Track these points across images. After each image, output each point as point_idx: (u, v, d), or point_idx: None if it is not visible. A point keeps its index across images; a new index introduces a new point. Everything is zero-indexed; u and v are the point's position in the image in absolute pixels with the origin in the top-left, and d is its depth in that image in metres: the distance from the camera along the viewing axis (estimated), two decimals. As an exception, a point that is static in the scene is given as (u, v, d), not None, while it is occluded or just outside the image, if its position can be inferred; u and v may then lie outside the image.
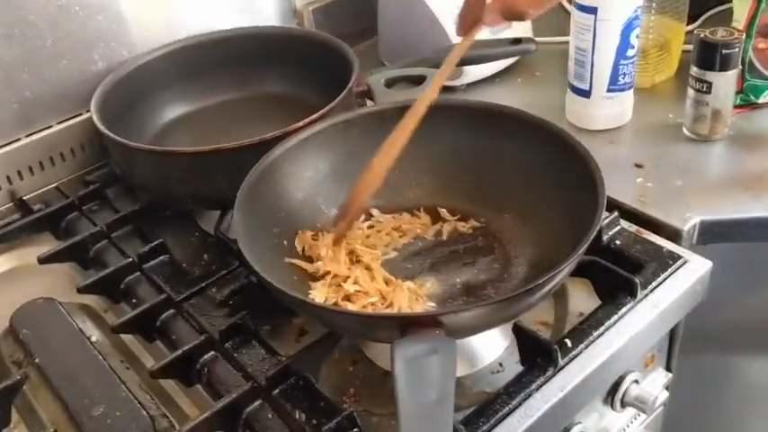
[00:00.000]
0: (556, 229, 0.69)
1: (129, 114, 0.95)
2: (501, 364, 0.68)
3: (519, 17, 0.64)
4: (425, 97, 0.71)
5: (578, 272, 0.71)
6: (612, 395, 0.73)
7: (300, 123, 0.78)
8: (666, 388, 0.81)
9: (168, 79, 1.00)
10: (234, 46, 1.02)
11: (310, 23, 1.14)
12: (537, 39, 1.05)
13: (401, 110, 0.80)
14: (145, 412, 0.63)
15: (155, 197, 0.87)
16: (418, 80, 0.89)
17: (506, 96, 1.03)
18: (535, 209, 0.73)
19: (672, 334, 0.81)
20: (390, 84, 0.90)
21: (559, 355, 0.62)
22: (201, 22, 1.04)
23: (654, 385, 0.78)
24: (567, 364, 0.64)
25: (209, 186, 0.81)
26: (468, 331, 0.60)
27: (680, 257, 0.73)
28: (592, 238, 0.58)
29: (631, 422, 0.79)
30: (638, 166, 0.87)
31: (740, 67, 0.87)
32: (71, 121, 0.97)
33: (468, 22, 0.68)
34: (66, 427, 0.64)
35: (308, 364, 0.66)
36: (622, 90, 0.91)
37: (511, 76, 1.08)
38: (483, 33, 1.01)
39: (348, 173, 0.78)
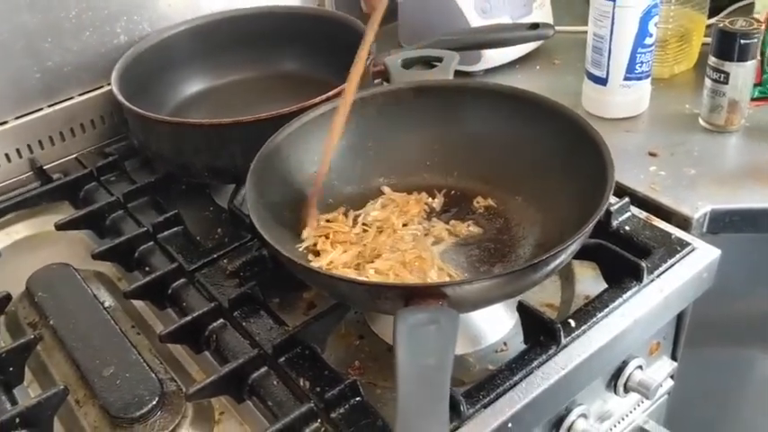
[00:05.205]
0: (565, 211, 0.69)
1: (149, 88, 0.96)
2: (505, 344, 0.69)
3: None
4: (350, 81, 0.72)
5: (587, 255, 0.72)
6: (616, 379, 0.73)
7: (317, 99, 0.79)
8: (672, 377, 0.82)
9: (188, 55, 1.01)
10: (254, 24, 1.03)
11: (331, 4, 1.15)
12: (557, 27, 1.05)
13: (416, 90, 0.81)
14: (153, 375, 0.65)
15: (171, 168, 0.88)
16: (435, 61, 0.89)
17: (524, 83, 1.03)
18: (546, 192, 0.73)
19: (678, 323, 0.81)
20: (407, 65, 0.90)
21: (562, 334, 0.63)
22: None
23: (658, 373, 0.79)
24: (570, 343, 0.64)
25: (225, 159, 0.82)
26: (472, 305, 0.60)
27: (688, 244, 0.73)
28: (597, 219, 0.59)
29: (634, 408, 0.79)
30: (653, 154, 0.87)
31: (759, 58, 0.87)
32: (92, 93, 0.99)
33: None
34: (77, 387, 0.66)
35: (314, 334, 0.67)
36: (639, 79, 0.91)
37: (530, 63, 1.08)
38: (503, 18, 1.03)
39: (361, 151, 0.80)
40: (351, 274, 0.69)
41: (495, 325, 0.70)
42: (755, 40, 0.83)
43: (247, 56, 1.03)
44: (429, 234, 0.74)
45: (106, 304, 0.76)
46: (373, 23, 0.71)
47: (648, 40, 0.89)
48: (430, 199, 0.79)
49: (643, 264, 0.68)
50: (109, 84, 0.91)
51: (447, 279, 0.67)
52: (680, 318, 0.80)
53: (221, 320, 0.70)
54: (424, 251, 0.70)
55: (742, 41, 0.83)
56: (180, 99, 1.01)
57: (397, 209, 0.77)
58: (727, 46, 0.84)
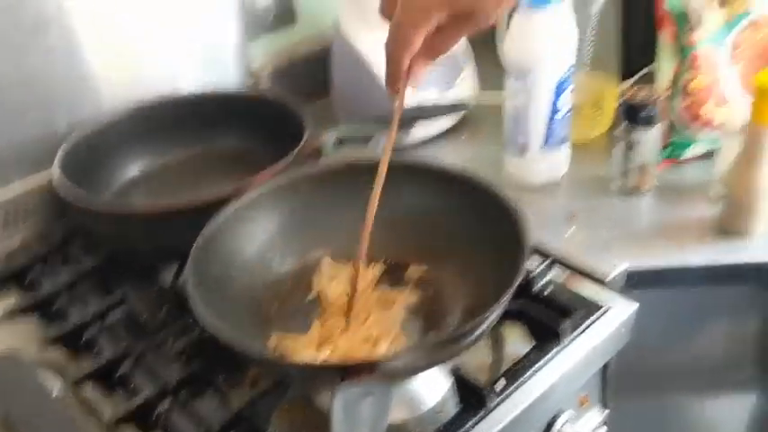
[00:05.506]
0: (489, 278, 0.73)
1: (93, 172, 0.99)
2: (443, 407, 0.73)
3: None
4: (382, 163, 0.73)
5: (513, 317, 0.77)
6: (547, 434, 0.78)
7: (255, 180, 0.83)
8: (605, 424, 0.87)
9: (131, 137, 1.04)
10: (194, 106, 1.07)
11: (267, 83, 1.20)
12: (485, 93, 1.11)
13: (349, 167, 0.86)
14: (104, 460, 0.67)
15: (115, 253, 0.91)
16: (367, 138, 0.95)
17: (452, 153, 1.09)
18: (471, 260, 0.78)
19: (604, 375, 0.86)
20: (341, 142, 0.96)
21: (490, 396, 0.67)
22: (164, 81, 1.10)
23: (589, 424, 0.84)
24: (500, 403, 0.69)
25: (167, 241, 0.85)
26: (404, 375, 0.65)
27: (605, 303, 0.79)
28: (515, 287, 0.64)
29: (569, 460, 0.84)
30: (572, 217, 0.93)
31: (664, 124, 0.94)
32: (35, 178, 1.01)
33: (396, 76, 0.66)
34: (28, 477, 0.67)
35: (259, 411, 0.70)
36: (557, 146, 0.98)
37: (457, 133, 1.14)
38: (430, 90, 1.09)
39: (298, 229, 0.83)
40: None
41: (433, 389, 0.74)
42: (658, 109, 0.91)
43: (189, 136, 1.07)
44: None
45: (56, 390, 0.77)
46: (395, 119, 0.71)
47: (563, 109, 0.96)
48: (369, 268, 0.83)
49: (562, 326, 0.74)
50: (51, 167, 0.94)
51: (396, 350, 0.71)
52: (606, 370, 0.85)
53: (169, 401, 0.73)
54: (387, 321, 0.75)
55: (646, 110, 0.90)
56: (122, 181, 1.04)
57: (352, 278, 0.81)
58: (633, 115, 0.91)
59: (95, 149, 1.01)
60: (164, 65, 1.11)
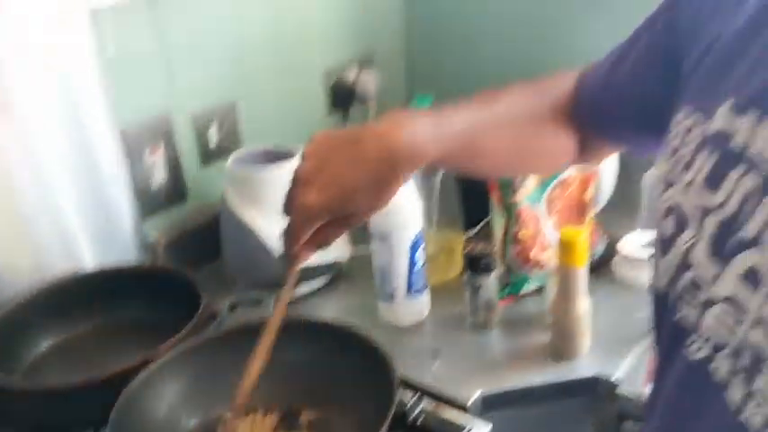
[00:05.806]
0: (369, 416, 0.89)
1: (5, 352, 1.08)
2: None
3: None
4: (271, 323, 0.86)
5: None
6: None
7: (156, 351, 0.96)
8: None
9: (39, 317, 1.14)
10: (96, 282, 1.18)
11: (163, 255, 1.33)
12: (355, 248, 1.29)
13: (243, 329, 1.01)
14: None
15: (31, 426, 1.00)
16: (258, 302, 1.10)
17: (334, 303, 1.26)
18: (355, 399, 0.93)
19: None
20: (234, 306, 1.11)
21: None
22: (67, 260, 1.21)
23: None
24: None
25: (78, 414, 0.96)
26: None
27: (466, 426, 0.95)
28: (387, 424, 0.79)
29: None
30: (435, 352, 1.10)
31: (502, 268, 1.15)
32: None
33: (290, 258, 0.80)
34: None
35: None
36: (418, 292, 1.17)
37: (337, 285, 1.31)
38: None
39: (201, 389, 0.96)
40: None
41: None
42: (493, 258, 1.11)
43: (92, 311, 1.17)
44: None
45: None
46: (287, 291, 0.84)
47: (419, 263, 1.15)
48: (267, 417, 0.97)
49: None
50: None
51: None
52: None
53: None
54: None
55: (484, 260, 1.11)
56: (34, 358, 1.12)
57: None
58: (474, 264, 1.11)
59: (6, 331, 1.10)
60: (64, 246, 1.22)
